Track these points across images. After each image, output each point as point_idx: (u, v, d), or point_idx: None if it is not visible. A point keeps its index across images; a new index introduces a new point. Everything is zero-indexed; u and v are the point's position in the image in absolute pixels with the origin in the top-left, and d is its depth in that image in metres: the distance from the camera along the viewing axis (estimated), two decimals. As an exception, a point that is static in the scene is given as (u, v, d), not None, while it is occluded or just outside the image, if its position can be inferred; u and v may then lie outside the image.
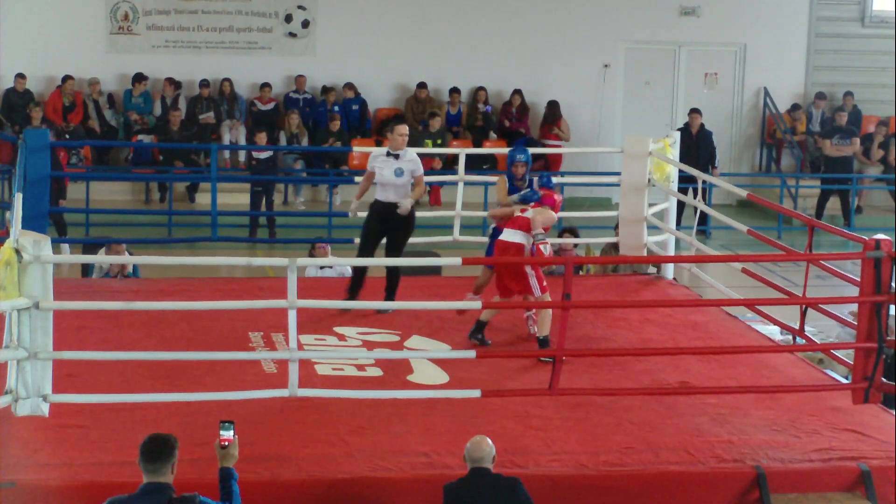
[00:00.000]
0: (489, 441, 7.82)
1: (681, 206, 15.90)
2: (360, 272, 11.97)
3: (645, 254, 13.37)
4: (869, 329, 9.15)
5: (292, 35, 22.53)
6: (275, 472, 8.20)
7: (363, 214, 12.20)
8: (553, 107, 22.35)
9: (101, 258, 13.30)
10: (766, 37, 23.52)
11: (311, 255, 14.07)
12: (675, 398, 9.70)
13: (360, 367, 10.18)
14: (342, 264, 13.56)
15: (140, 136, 21.25)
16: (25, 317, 7.95)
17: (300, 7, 22.46)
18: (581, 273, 13.92)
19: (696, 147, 20.36)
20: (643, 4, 23.19)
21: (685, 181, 14.09)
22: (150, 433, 7.11)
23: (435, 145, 20.97)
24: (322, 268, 13.65)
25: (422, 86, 22.39)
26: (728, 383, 9.97)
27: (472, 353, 9.56)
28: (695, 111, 21.23)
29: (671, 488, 8.56)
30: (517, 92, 22.51)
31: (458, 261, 9.51)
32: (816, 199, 22.22)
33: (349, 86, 22.24)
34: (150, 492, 6.87)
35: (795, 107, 23.51)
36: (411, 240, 16.62)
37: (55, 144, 16.18)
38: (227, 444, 7.23)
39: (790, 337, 11.55)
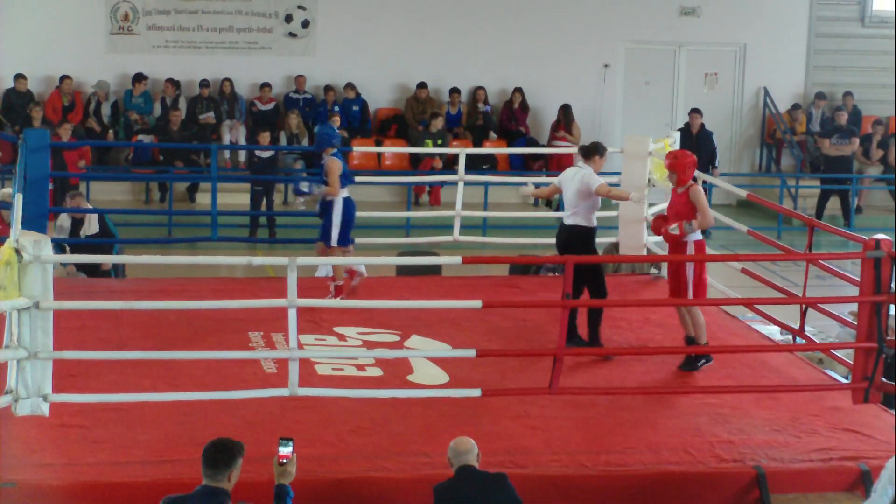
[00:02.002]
0: (472, 440, 7.82)
1: (681, 206, 15.88)
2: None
3: (645, 254, 13.37)
4: (869, 329, 9.16)
5: (292, 35, 22.52)
6: (275, 471, 8.20)
7: None
8: (567, 110, 22.27)
9: (100, 258, 13.28)
10: (766, 37, 23.52)
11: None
12: (675, 398, 9.71)
13: (360, 367, 10.19)
14: (358, 263, 13.49)
15: (140, 136, 21.24)
16: (25, 317, 7.96)
17: (300, 7, 22.46)
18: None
19: (697, 147, 20.31)
20: (643, 4, 23.19)
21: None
22: (216, 438, 7.11)
23: (435, 145, 20.98)
24: None
25: (422, 86, 22.39)
26: (728, 383, 9.97)
27: (472, 353, 9.56)
28: (695, 111, 21.23)
29: (671, 488, 8.56)
30: (517, 90, 22.50)
31: (458, 260, 9.52)
32: (816, 199, 22.22)
33: (349, 86, 22.23)
34: (206, 494, 6.94)
35: (795, 107, 23.51)
36: (411, 240, 16.72)
37: (55, 145, 16.18)
38: (285, 460, 7.20)
39: (790, 337, 11.56)
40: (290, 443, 7.23)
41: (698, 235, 10.39)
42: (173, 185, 20.73)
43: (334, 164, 12.05)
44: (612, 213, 14.22)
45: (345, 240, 12.20)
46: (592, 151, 11.18)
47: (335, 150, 12.16)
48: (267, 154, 19.83)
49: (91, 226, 14.01)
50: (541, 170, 22.07)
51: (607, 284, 13.11)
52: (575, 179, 11.08)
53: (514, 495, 7.66)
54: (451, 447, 7.79)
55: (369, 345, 10.75)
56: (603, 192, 11.13)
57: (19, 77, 21.41)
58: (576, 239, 10.99)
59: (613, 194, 11.40)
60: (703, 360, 10.38)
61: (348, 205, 12.15)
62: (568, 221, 11.12)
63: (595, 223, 11.13)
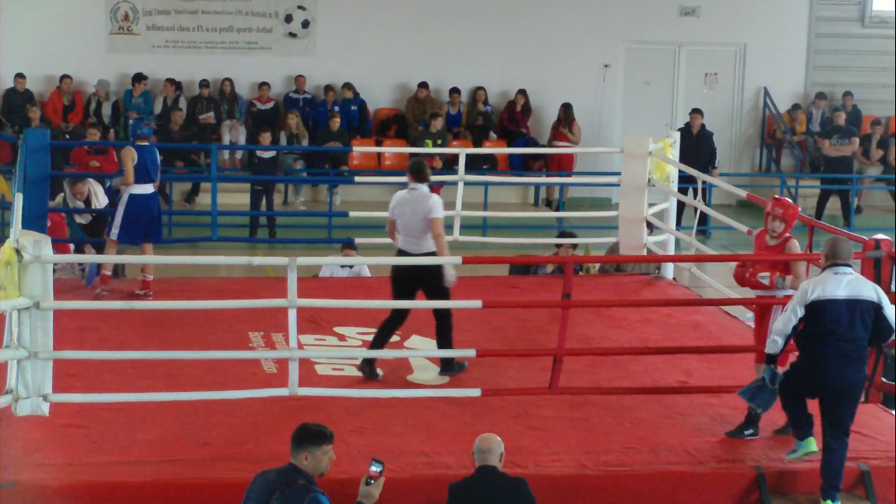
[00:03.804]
0: (499, 438, 7.73)
1: (681, 206, 15.91)
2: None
3: (645, 254, 13.38)
4: (869, 329, 9.15)
5: (292, 35, 22.52)
6: (275, 471, 8.20)
7: None
8: (567, 109, 22.26)
9: (101, 258, 13.29)
10: (766, 37, 23.51)
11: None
12: (675, 398, 9.71)
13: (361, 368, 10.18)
14: (361, 263, 13.50)
15: (140, 136, 21.22)
16: (26, 316, 7.96)
17: (300, 7, 22.46)
18: (582, 272, 13.91)
19: (697, 147, 20.35)
20: (643, 4, 23.18)
21: (685, 181, 14.10)
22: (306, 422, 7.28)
23: (435, 145, 20.98)
24: (343, 266, 13.57)
25: (422, 85, 22.38)
26: (728, 383, 9.96)
27: (471, 353, 9.57)
28: (696, 111, 21.21)
29: (671, 488, 8.56)
30: (521, 92, 22.49)
31: (458, 260, 9.52)
32: (816, 199, 22.21)
33: (348, 86, 22.23)
34: (285, 470, 7.16)
35: (795, 107, 23.51)
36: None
37: (55, 144, 16.17)
38: (372, 480, 7.16)
39: (790, 337, 11.53)
40: (381, 465, 7.17)
41: (789, 291, 9.28)
42: (173, 185, 20.73)
43: (127, 155, 12.05)
44: (612, 213, 14.23)
45: (126, 237, 12.11)
46: (422, 171, 10.22)
47: (147, 143, 12.11)
48: (267, 154, 19.83)
49: (99, 200, 14.40)
50: (541, 170, 22.07)
51: (605, 284, 13.14)
52: (417, 202, 10.11)
53: (532, 502, 7.60)
54: (476, 443, 7.72)
55: (369, 345, 10.73)
56: (436, 230, 10.06)
57: (19, 77, 21.42)
58: (424, 267, 9.98)
59: (441, 242, 10.06)
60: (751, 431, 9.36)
61: (134, 201, 12.05)
62: (413, 249, 10.11)
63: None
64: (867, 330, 8.41)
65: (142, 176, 12.08)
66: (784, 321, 8.47)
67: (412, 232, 10.17)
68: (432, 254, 10.07)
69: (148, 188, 12.13)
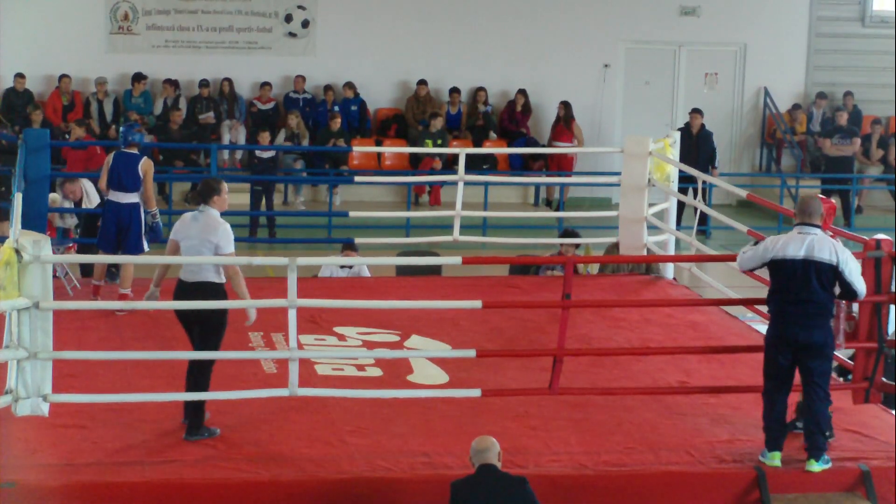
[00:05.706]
0: (493, 439, 7.83)
1: (681, 206, 15.90)
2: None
3: (645, 254, 13.37)
4: (869, 329, 9.16)
5: (292, 35, 22.53)
6: (275, 472, 8.21)
7: None
8: (567, 107, 22.21)
9: (99, 258, 13.28)
10: (766, 37, 23.52)
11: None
12: (675, 398, 9.71)
13: (360, 367, 10.19)
14: (361, 263, 13.50)
15: (140, 137, 21.22)
16: (25, 317, 7.96)
17: (300, 7, 22.46)
18: (582, 273, 13.90)
19: (697, 147, 20.35)
20: (643, 4, 23.18)
21: (685, 181, 14.09)
22: None
23: (435, 145, 20.98)
24: (342, 267, 13.54)
25: (422, 82, 22.37)
26: (728, 383, 9.97)
27: (471, 353, 9.56)
28: (696, 111, 21.21)
29: (671, 488, 8.56)
30: (521, 92, 22.48)
31: (458, 260, 9.52)
32: (816, 199, 22.16)
33: (348, 85, 22.24)
34: None
35: (796, 107, 23.51)
36: (411, 240, 16.71)
37: (55, 144, 16.16)
38: None
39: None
40: None
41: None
42: (173, 185, 20.73)
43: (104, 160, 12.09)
44: (612, 213, 14.22)
45: (101, 242, 11.91)
46: (209, 192, 9.06)
47: (135, 151, 11.80)
48: (267, 154, 19.83)
49: (91, 200, 14.21)
50: (541, 170, 22.07)
51: (605, 284, 13.12)
52: (204, 228, 9.00)
53: (533, 500, 7.65)
54: (472, 445, 7.81)
55: (369, 345, 10.75)
56: (231, 268, 8.99)
57: (19, 76, 21.42)
58: (204, 299, 8.83)
59: (238, 280, 8.99)
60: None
61: (106, 208, 11.93)
62: (191, 278, 8.88)
63: (225, 278, 9.00)
64: (826, 290, 8.62)
65: (112, 183, 11.72)
66: (747, 259, 9.05)
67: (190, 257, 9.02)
68: (212, 285, 8.88)
69: (121, 196, 11.68)
